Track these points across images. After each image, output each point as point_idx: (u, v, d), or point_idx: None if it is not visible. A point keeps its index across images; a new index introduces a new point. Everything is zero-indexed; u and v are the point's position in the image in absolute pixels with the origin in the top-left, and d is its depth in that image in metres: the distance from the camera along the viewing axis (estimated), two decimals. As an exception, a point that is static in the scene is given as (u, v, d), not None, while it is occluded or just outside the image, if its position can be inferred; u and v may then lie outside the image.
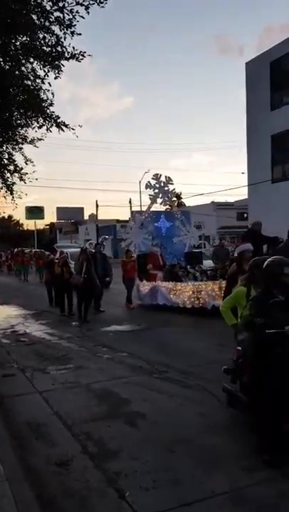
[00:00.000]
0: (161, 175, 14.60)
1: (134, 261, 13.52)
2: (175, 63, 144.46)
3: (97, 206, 50.69)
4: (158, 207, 15.12)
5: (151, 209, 14.92)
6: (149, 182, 14.41)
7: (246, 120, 22.52)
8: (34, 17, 7.73)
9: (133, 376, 6.26)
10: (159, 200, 14.62)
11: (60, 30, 7.90)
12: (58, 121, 9.02)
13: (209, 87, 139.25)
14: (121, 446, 4.08)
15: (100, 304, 12.42)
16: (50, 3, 7.62)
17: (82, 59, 8.14)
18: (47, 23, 7.83)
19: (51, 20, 7.77)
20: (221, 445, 4.00)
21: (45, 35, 8.01)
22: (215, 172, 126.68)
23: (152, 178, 14.50)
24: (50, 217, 65.85)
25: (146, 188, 14.48)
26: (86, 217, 63.20)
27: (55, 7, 7.64)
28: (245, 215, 28.74)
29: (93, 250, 12.99)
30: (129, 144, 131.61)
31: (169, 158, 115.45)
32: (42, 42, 8.07)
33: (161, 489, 3.36)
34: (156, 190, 14.45)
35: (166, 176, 14.66)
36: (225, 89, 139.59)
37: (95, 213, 52.56)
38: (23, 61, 8.41)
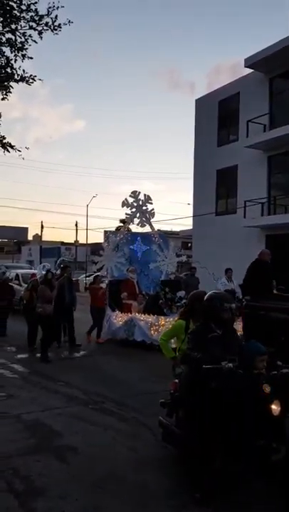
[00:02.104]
0: (139, 192, 13.20)
1: (104, 288, 11.79)
2: (129, 91, 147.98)
3: (42, 227, 50.05)
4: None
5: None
6: (126, 199, 12.92)
7: (194, 153, 23.25)
8: None
9: (67, 407, 6.05)
10: (136, 221, 13.21)
11: (11, 52, 7.86)
12: (4, 141, 8.85)
13: (161, 117, 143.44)
14: (49, 483, 3.89)
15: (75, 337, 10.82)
16: (1, 24, 7.57)
17: (32, 82, 8.12)
18: None
19: (2, 41, 7.71)
20: (152, 482, 3.92)
21: (-5, 55, 7.93)
22: (162, 201, 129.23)
23: (130, 196, 13.02)
24: (-8, 235, 63.92)
25: (122, 206, 12.93)
26: (30, 237, 61.99)
27: (7, 29, 7.60)
28: (190, 244, 29.34)
29: (43, 272, 12.13)
30: (77, 167, 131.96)
31: (118, 184, 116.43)
32: (-10, 62, 7.97)
33: (89, 531, 3.22)
34: (134, 209, 13.02)
35: (145, 194, 13.34)
36: (176, 120, 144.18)
37: (39, 234, 51.75)
38: None
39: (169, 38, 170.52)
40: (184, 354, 4.07)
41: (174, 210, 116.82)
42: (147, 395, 6.43)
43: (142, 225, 13.28)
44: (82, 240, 48.98)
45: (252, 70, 19.22)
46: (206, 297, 4.21)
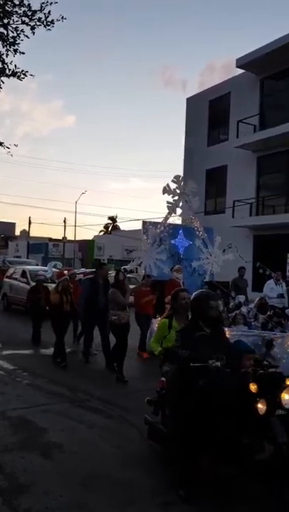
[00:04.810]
0: (183, 177, 11.55)
1: (152, 291, 9.74)
2: (120, 88, 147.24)
3: (29, 223, 49.68)
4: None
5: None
6: (167, 185, 10.97)
7: (184, 153, 23.28)
8: None
9: (53, 404, 6.02)
10: (178, 211, 11.22)
11: (3, 47, 7.81)
12: (-7, 139, 8.78)
13: (152, 115, 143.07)
14: (34, 479, 3.86)
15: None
16: None
17: (23, 78, 8.07)
18: None
19: None
20: (137, 480, 3.91)
21: (-14, 49, 7.85)
22: (152, 199, 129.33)
23: (172, 181, 11.08)
24: (-21, 230, 63.31)
25: (163, 193, 10.95)
26: (17, 233, 61.57)
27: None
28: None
29: (53, 270, 10.86)
30: (67, 163, 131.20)
31: (107, 181, 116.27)
32: (-18, 56, 7.88)
33: (73, 528, 3.21)
34: (176, 197, 11.04)
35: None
36: (167, 119, 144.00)
37: (27, 230, 51.38)
38: None
39: (162, 35, 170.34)
40: (171, 351, 4.08)
41: (163, 208, 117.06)
42: (134, 393, 6.43)
43: (185, 217, 11.43)
44: (70, 237, 48.80)
45: (243, 71, 19.31)
46: (192, 296, 4.26)
